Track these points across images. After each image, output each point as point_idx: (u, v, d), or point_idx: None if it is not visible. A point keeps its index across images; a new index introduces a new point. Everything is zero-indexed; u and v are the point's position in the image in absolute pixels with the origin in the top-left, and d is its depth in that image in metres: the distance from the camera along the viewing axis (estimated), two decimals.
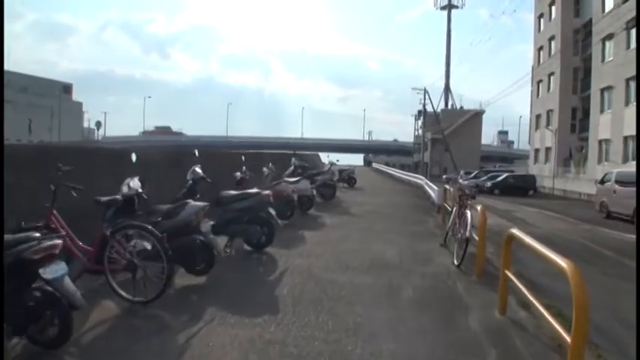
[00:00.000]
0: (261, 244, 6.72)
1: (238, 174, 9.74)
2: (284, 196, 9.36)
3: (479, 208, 5.88)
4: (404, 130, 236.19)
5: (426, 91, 52.77)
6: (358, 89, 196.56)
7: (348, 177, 22.94)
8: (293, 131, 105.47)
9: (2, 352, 3.03)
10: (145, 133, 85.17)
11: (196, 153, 7.37)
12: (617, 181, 16.12)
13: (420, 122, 61.45)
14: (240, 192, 6.83)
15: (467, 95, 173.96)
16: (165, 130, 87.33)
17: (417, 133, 65.29)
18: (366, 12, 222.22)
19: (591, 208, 18.13)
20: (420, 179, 25.03)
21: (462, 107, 64.38)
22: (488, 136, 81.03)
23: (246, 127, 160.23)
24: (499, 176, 30.36)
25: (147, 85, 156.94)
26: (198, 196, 7.02)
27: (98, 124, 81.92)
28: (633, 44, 23.59)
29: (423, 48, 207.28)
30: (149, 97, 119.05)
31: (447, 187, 10.72)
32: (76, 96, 77.83)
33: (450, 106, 65.73)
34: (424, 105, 54.00)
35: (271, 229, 6.73)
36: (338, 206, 13.70)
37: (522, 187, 28.22)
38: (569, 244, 9.51)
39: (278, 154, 17.22)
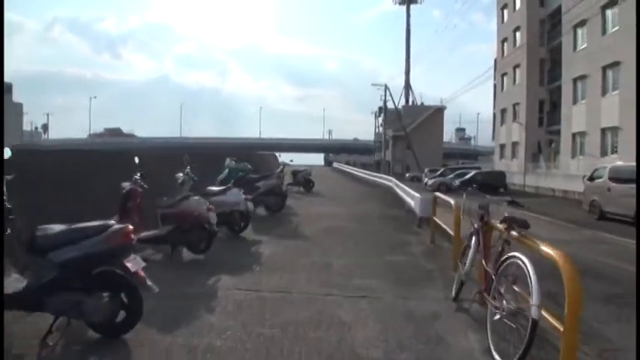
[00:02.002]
0: (116, 326, 3.45)
1: (127, 185, 6.40)
2: (193, 217, 6.04)
3: (554, 253, 2.69)
4: (365, 128, 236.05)
5: (386, 87, 50.87)
6: (317, 89, 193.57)
7: (304, 180, 19.69)
8: (251, 132, 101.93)
9: (2, 353, 2.90)
10: (92, 135, 78.97)
11: (7, 153, 3.92)
12: (611, 178, 14.12)
13: (380, 119, 59.39)
14: (68, 227, 3.49)
15: (426, 93, 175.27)
16: (115, 132, 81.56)
17: (377, 130, 63.21)
18: (322, 11, 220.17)
19: (576, 207, 16.50)
20: (388, 180, 22.26)
21: (422, 103, 63.11)
22: (447, 134, 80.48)
23: (203, 128, 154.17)
24: (467, 174, 28.61)
25: (98, 86, 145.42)
26: (7, 232, 3.69)
27: (44, 127, 75.39)
28: (610, 29, 21.85)
29: (380, 48, 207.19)
30: (94, 97, 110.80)
31: (440, 194, 7.75)
32: (20, 97, 70.43)
33: (410, 103, 64.20)
34: (385, 101, 52.06)
35: (135, 297, 3.45)
36: (287, 222, 10.44)
37: (492, 185, 26.18)
38: (600, 268, 6.76)
39: (208, 154, 13.71)
